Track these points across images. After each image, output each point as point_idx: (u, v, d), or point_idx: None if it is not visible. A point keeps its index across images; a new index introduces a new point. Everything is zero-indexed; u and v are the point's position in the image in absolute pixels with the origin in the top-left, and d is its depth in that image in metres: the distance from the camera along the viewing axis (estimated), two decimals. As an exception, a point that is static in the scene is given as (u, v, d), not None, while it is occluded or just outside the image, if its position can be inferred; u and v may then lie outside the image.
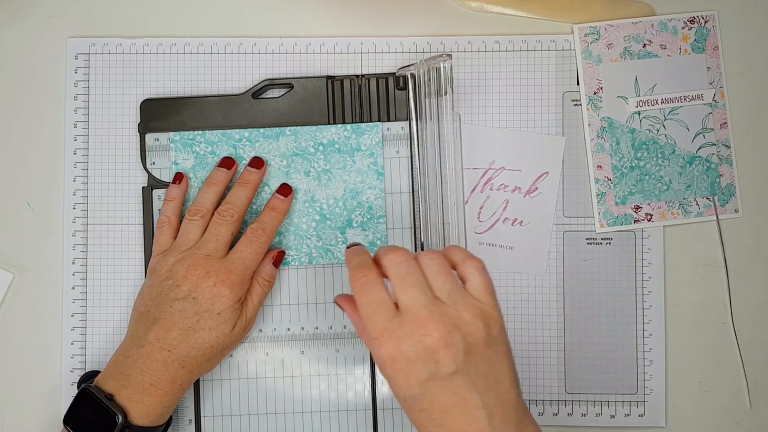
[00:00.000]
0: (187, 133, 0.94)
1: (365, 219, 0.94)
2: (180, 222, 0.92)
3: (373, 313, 0.73)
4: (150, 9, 0.97)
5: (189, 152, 0.94)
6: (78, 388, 0.88)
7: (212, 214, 0.90)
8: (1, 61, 0.96)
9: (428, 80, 0.91)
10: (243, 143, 0.94)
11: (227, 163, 0.92)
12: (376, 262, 0.76)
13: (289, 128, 0.94)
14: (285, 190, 0.92)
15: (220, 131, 0.94)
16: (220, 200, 0.91)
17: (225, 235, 0.88)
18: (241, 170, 0.93)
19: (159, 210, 0.94)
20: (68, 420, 0.84)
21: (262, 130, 0.94)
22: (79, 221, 0.95)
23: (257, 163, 0.92)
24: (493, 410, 0.72)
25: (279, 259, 0.91)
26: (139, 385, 0.84)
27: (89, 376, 0.91)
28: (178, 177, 0.93)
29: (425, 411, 0.72)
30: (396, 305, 0.73)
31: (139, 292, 0.89)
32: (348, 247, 0.79)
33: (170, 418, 0.88)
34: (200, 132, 0.94)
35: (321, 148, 0.94)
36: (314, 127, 0.94)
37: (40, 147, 0.95)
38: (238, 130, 0.94)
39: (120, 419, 0.82)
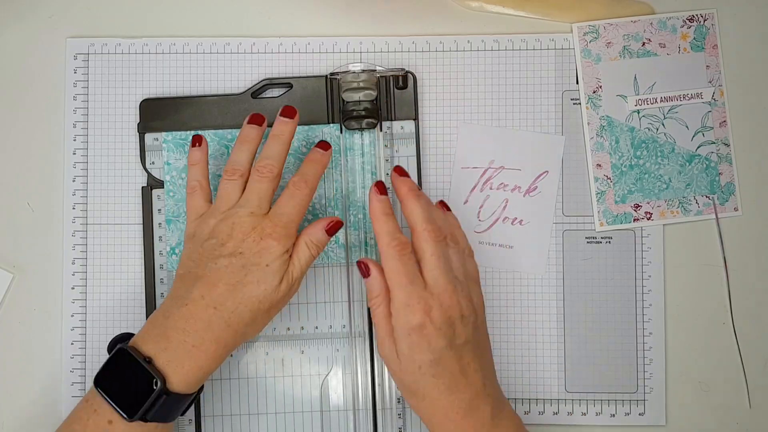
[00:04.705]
0: (179, 133, 0.94)
1: (358, 218, 0.94)
2: (209, 184, 0.90)
3: (410, 283, 0.83)
4: (150, 9, 0.97)
5: (181, 152, 0.94)
6: (109, 352, 0.84)
7: (249, 173, 0.87)
8: (1, 61, 0.96)
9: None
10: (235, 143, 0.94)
11: (257, 119, 0.89)
12: (411, 228, 0.86)
13: None
14: (324, 145, 0.89)
15: (212, 131, 0.94)
16: (254, 158, 0.88)
17: (266, 191, 0.85)
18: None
19: (159, 210, 0.94)
20: (100, 381, 0.81)
21: None
22: (79, 221, 0.95)
23: (289, 112, 0.88)
24: (486, 374, 0.84)
25: (334, 229, 0.88)
26: (181, 347, 0.81)
27: (120, 339, 0.86)
28: (197, 139, 0.91)
29: (436, 376, 0.82)
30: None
31: (180, 259, 0.87)
32: (377, 192, 0.86)
33: (202, 386, 0.85)
34: (192, 132, 0.94)
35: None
36: (306, 127, 0.94)
37: (39, 147, 0.96)
38: (230, 130, 0.94)
39: (159, 384, 0.79)
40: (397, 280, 0.83)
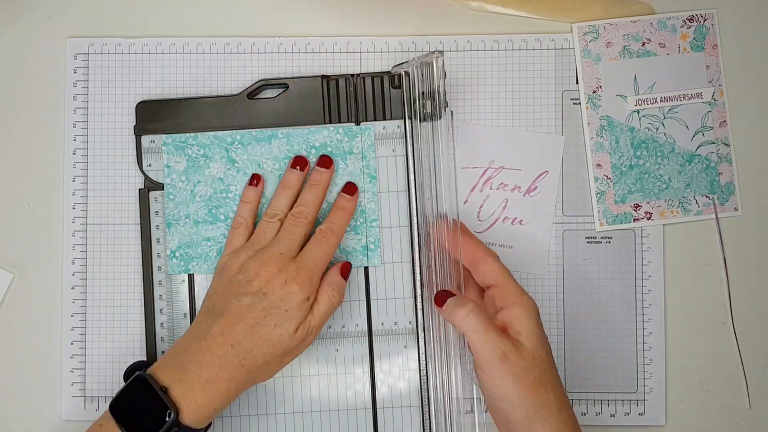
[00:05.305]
0: (179, 135, 0.94)
1: (358, 223, 0.94)
2: (254, 224, 0.92)
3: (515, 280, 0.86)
4: (150, 9, 0.97)
5: (181, 155, 0.94)
6: (125, 379, 0.86)
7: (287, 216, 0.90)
8: (1, 61, 0.96)
9: (421, 77, 0.91)
10: (235, 146, 0.94)
11: (300, 162, 0.92)
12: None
13: (281, 131, 0.94)
14: (350, 188, 0.92)
15: (212, 133, 0.94)
16: (294, 202, 0.91)
17: (298, 235, 0.88)
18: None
19: (156, 212, 0.94)
20: (114, 408, 0.82)
21: (254, 132, 0.94)
22: (79, 221, 0.95)
23: (325, 162, 0.92)
24: None
25: (345, 270, 0.90)
26: (195, 380, 0.82)
27: (138, 366, 0.88)
28: (255, 178, 0.92)
29: (554, 365, 0.84)
30: None
31: (207, 291, 0.89)
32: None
33: (210, 425, 0.86)
34: (192, 135, 0.94)
35: (314, 151, 0.94)
36: (306, 130, 0.94)
37: (39, 147, 0.96)
38: (230, 133, 0.94)
39: (172, 416, 0.80)
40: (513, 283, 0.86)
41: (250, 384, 0.85)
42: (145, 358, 0.94)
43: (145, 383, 0.82)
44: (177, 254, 0.94)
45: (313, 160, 0.93)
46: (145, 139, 0.94)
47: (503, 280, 0.86)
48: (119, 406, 0.82)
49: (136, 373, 0.83)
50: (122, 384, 0.84)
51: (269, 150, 0.94)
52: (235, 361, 0.83)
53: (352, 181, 0.93)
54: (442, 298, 0.86)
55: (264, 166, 0.94)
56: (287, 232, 0.88)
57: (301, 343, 0.86)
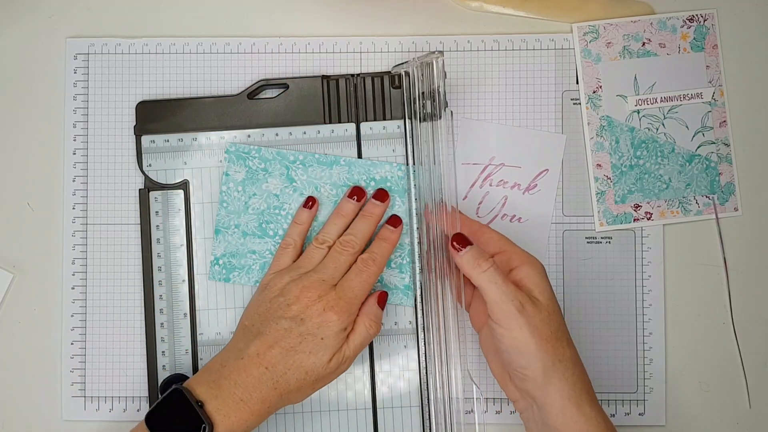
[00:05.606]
0: (243, 145, 0.94)
1: (404, 261, 0.93)
2: (303, 246, 0.92)
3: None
4: (150, 9, 0.97)
5: (242, 165, 0.94)
6: (162, 392, 0.88)
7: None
8: (1, 61, 0.96)
9: (421, 77, 0.91)
10: (296, 165, 0.94)
11: (357, 192, 0.92)
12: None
13: (343, 158, 0.93)
14: (395, 221, 0.92)
15: (276, 149, 0.94)
16: (345, 230, 0.91)
17: (343, 264, 0.88)
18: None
19: (156, 212, 0.94)
20: (150, 419, 0.83)
21: (317, 155, 0.93)
22: (79, 221, 0.95)
23: (382, 196, 0.92)
24: None
25: (382, 299, 0.90)
26: (230, 398, 0.83)
27: (174, 380, 0.91)
28: (311, 200, 0.93)
29: (565, 378, 0.83)
30: None
31: (247, 306, 0.90)
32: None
33: None
34: (256, 147, 0.94)
35: (373, 183, 0.93)
36: (369, 162, 0.94)
37: (39, 147, 0.96)
38: (293, 152, 0.94)
39: (206, 430, 0.81)
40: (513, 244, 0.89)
41: (282, 405, 0.86)
42: (144, 358, 0.94)
43: (182, 396, 0.83)
44: (220, 262, 0.94)
45: (370, 192, 0.93)
46: (145, 139, 0.94)
47: (507, 246, 0.88)
48: (155, 418, 0.83)
49: (174, 386, 0.84)
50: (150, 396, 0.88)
51: (329, 175, 0.94)
52: (268, 383, 0.84)
53: (406, 219, 0.93)
54: (460, 242, 0.87)
55: (321, 189, 0.93)
56: (332, 260, 0.88)
57: (334, 371, 0.86)
